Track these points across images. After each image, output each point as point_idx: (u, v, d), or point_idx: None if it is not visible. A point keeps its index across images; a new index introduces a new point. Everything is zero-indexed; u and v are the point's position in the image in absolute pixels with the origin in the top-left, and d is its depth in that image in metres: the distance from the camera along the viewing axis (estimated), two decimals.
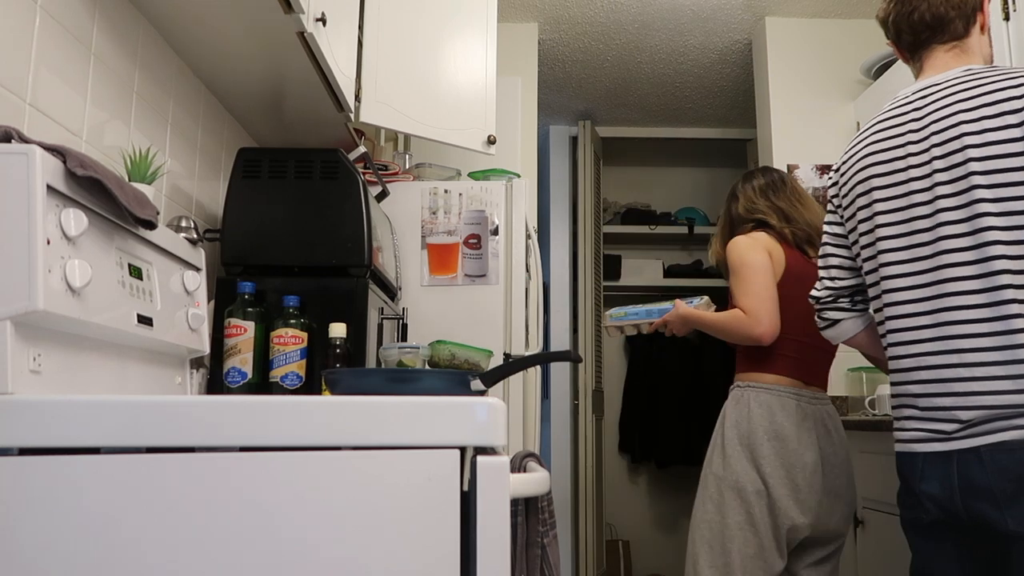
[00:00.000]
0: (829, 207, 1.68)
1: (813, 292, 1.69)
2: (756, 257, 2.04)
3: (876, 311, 1.54)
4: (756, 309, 1.96)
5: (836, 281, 1.64)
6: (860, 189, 1.55)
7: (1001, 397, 1.29)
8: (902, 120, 1.50)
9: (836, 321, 1.66)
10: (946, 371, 1.35)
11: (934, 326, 1.38)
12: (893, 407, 1.47)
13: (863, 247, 1.55)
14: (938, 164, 1.40)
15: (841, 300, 1.65)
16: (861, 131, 1.61)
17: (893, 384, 1.47)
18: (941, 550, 1.40)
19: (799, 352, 2.02)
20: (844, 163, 1.62)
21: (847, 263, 1.63)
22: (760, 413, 1.94)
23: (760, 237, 2.08)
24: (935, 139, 1.42)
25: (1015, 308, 1.29)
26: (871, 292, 1.54)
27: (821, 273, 1.67)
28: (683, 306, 2.09)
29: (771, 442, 1.91)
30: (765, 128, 3.57)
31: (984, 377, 1.30)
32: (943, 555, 1.39)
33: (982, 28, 1.54)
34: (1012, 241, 1.31)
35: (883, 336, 1.50)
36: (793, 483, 1.90)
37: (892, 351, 1.47)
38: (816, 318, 1.70)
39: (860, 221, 1.55)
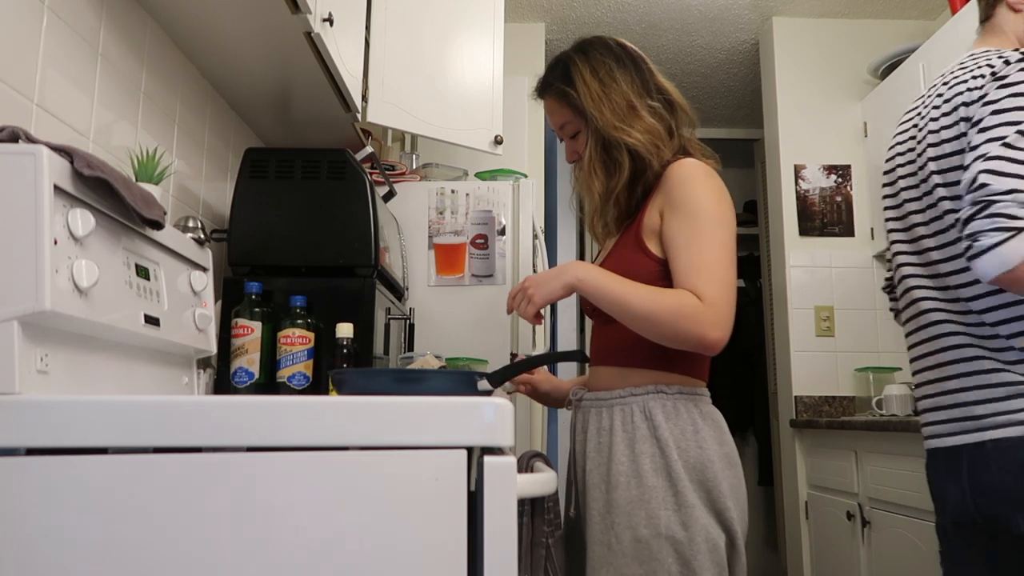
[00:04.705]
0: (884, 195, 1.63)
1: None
2: (731, 215, 1.35)
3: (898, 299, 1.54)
4: (720, 301, 1.24)
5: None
6: (886, 180, 1.57)
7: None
8: (915, 107, 1.53)
9: (997, 243, 1.17)
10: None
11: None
12: (919, 409, 1.47)
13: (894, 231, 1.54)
14: (931, 152, 1.41)
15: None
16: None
17: (914, 375, 1.48)
18: (967, 556, 1.38)
19: None
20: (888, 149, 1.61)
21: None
22: (710, 433, 1.31)
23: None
24: (929, 126, 1.43)
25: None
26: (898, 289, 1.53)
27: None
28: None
29: (726, 471, 1.30)
30: (772, 128, 3.56)
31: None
32: (968, 561, 1.37)
33: (1014, 8, 1.49)
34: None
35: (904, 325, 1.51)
36: (745, 523, 1.32)
37: (910, 340, 1.48)
38: (968, 246, 1.21)
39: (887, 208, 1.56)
